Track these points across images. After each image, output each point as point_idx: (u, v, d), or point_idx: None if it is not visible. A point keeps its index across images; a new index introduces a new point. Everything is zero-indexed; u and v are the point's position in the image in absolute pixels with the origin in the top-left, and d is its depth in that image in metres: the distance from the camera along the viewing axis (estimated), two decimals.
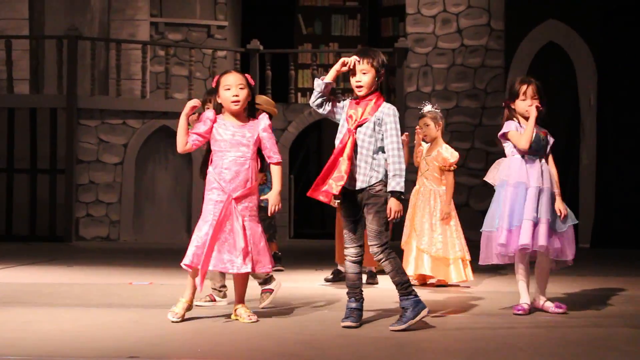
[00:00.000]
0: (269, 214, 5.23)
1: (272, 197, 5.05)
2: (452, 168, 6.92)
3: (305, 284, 6.99)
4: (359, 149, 4.85)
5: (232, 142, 5.02)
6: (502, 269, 7.93)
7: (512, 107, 5.52)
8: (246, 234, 4.95)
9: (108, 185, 12.15)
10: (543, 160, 5.47)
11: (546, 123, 5.57)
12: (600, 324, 5.11)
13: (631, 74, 11.44)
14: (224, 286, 5.78)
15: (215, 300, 5.71)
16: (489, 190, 5.53)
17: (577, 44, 11.81)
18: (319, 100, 4.93)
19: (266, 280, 5.58)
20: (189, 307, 5.08)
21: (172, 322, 4.92)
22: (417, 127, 7.05)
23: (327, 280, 7.11)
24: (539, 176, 5.39)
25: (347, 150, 4.81)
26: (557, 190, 5.45)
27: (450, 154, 6.93)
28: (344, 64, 4.90)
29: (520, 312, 5.40)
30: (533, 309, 5.48)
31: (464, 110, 12.43)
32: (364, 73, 4.89)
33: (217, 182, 5.01)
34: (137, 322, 4.97)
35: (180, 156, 12.52)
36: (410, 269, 6.75)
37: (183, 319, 4.97)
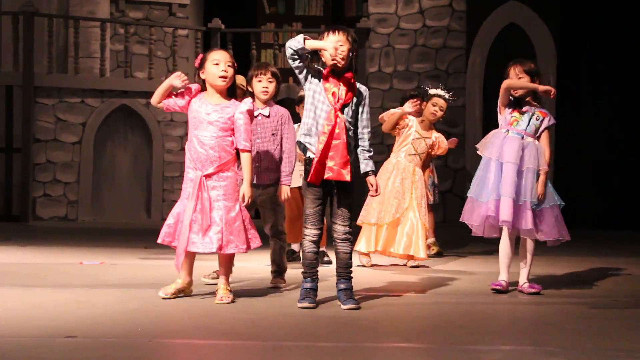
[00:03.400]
0: (244, 205, 5.11)
1: (242, 189, 4.96)
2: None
3: (252, 263, 6.96)
4: (341, 130, 4.80)
5: (203, 120, 4.95)
6: (471, 250, 7.98)
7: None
8: (212, 213, 4.88)
9: (66, 165, 11.99)
10: (530, 139, 5.45)
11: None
12: (556, 302, 5.15)
13: (590, 56, 11.49)
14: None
15: (217, 277, 5.68)
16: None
17: (538, 26, 11.84)
18: (292, 59, 4.77)
19: (280, 272, 5.66)
20: (183, 289, 5.03)
21: (162, 298, 4.95)
22: (429, 103, 6.96)
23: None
24: (517, 154, 5.38)
25: (341, 133, 4.75)
26: (542, 170, 5.44)
27: (445, 143, 7.04)
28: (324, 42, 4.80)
29: (497, 287, 5.45)
30: (485, 286, 5.50)
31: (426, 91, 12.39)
32: (341, 45, 4.81)
33: (190, 161, 4.96)
34: (81, 301, 4.90)
35: (140, 136, 12.41)
36: (410, 249, 6.66)
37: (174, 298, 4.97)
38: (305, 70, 4.84)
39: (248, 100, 5.12)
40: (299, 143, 4.92)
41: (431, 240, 7.69)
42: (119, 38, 13.00)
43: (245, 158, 4.98)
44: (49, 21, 11.92)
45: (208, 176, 4.92)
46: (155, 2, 13.50)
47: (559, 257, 7.30)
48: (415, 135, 6.90)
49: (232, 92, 5.09)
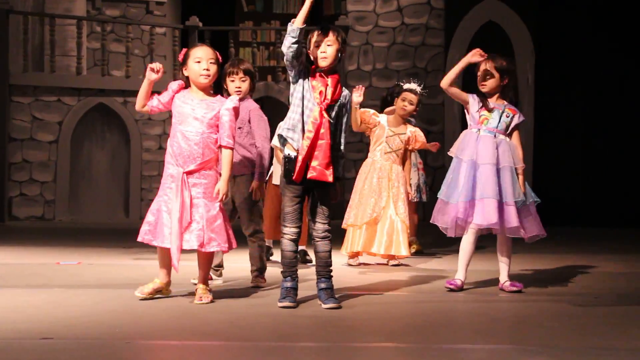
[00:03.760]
0: (218, 202, 5.05)
1: (219, 185, 4.89)
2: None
3: (231, 263, 6.90)
4: (326, 130, 4.75)
5: (188, 115, 4.89)
6: (446, 247, 7.97)
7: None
8: (192, 210, 4.82)
9: (42, 164, 11.88)
10: (502, 137, 5.41)
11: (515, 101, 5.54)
12: (537, 300, 5.13)
13: (568, 54, 11.53)
14: (220, 265, 5.75)
15: (211, 279, 5.64)
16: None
17: (516, 23, 11.87)
18: (295, 48, 4.66)
19: (260, 271, 5.61)
20: (161, 289, 4.96)
21: (139, 298, 4.88)
22: (399, 98, 6.89)
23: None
24: (492, 153, 5.35)
25: (326, 133, 4.71)
26: (520, 169, 5.41)
27: (422, 136, 6.95)
28: (312, 3, 4.70)
29: (452, 286, 5.40)
30: (467, 286, 5.48)
31: None
32: (329, 45, 4.76)
33: (172, 156, 4.90)
34: (57, 302, 4.83)
35: (117, 134, 12.31)
36: (390, 249, 6.64)
37: (151, 298, 4.90)
38: (299, 67, 4.78)
39: (234, 97, 5.07)
40: (280, 136, 4.86)
41: (412, 238, 7.67)
42: (96, 36, 12.89)
43: (227, 155, 4.92)
44: (24, 19, 11.79)
45: (189, 173, 4.87)
46: (132, 0, 13.40)
47: (539, 255, 7.31)
48: (388, 132, 6.85)
49: (217, 88, 5.04)
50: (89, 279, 5.86)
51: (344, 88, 4.89)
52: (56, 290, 5.29)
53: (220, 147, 4.92)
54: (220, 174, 4.94)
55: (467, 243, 5.46)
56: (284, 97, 11.99)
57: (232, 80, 5.61)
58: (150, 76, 4.91)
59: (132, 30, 12.52)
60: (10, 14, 11.69)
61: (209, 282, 5.59)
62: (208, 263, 5.01)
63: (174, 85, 5.01)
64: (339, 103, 4.83)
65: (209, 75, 4.92)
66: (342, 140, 4.89)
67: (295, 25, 4.68)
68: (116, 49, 12.95)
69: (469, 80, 5.75)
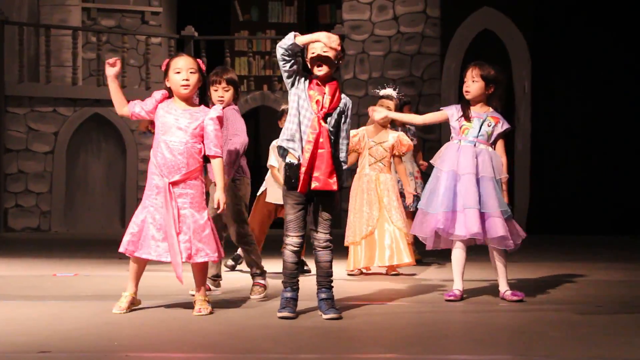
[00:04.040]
0: (219, 212, 5.02)
1: (217, 195, 4.86)
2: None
3: (228, 274, 6.86)
4: (325, 139, 4.72)
5: (171, 125, 4.85)
6: (441, 257, 7.94)
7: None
8: (177, 221, 4.78)
9: (38, 175, 11.84)
10: (483, 147, 5.35)
11: (501, 110, 5.49)
12: (538, 309, 5.09)
13: (564, 61, 11.53)
14: (218, 276, 5.72)
15: (210, 289, 5.62)
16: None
17: (512, 32, 11.86)
18: (287, 56, 4.66)
19: (261, 273, 5.56)
20: (134, 301, 4.91)
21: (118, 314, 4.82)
22: (373, 108, 6.84)
23: (229, 266, 6.99)
24: (472, 163, 5.30)
25: (325, 142, 4.67)
26: (503, 179, 5.35)
27: (407, 139, 6.87)
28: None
29: (451, 298, 5.35)
30: (467, 295, 5.44)
31: None
32: (325, 52, 4.73)
33: (156, 167, 4.85)
34: (54, 315, 4.78)
35: (113, 145, 12.27)
36: (390, 259, 6.62)
37: (129, 311, 4.84)
38: (294, 75, 4.75)
39: (218, 106, 5.03)
40: (280, 148, 4.83)
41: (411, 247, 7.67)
42: (91, 46, 12.87)
43: (217, 164, 4.89)
44: (19, 29, 11.76)
45: (174, 184, 4.83)
46: (127, 10, 13.38)
47: (540, 263, 7.28)
48: (369, 144, 6.80)
49: (201, 97, 4.99)
50: (86, 291, 5.81)
51: (343, 95, 4.86)
52: (53, 303, 5.24)
53: (208, 157, 4.89)
54: (204, 182, 4.91)
55: (456, 253, 5.44)
56: (279, 107, 11.96)
57: (215, 90, 5.59)
58: (109, 72, 4.88)
59: (127, 41, 12.50)
60: (5, 24, 11.67)
61: (208, 292, 5.57)
62: (203, 273, 4.95)
63: (157, 94, 4.96)
64: (337, 111, 4.79)
65: (188, 86, 4.86)
66: (344, 148, 4.85)
67: (297, 41, 4.66)
68: None
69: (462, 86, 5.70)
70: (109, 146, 12.21)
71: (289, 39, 4.67)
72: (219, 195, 4.85)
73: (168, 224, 4.77)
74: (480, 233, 5.24)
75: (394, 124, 7.05)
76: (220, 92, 5.58)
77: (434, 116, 5.58)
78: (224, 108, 5.57)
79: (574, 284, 6.22)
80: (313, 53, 4.73)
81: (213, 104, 5.59)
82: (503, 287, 5.43)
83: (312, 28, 13.76)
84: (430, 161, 5.53)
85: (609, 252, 8.81)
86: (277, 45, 4.72)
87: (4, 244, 10.10)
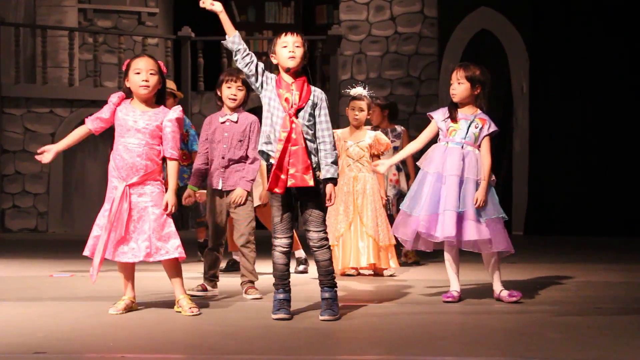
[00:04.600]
0: (166, 214, 4.95)
1: (167, 197, 4.82)
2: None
3: (224, 275, 6.83)
4: (298, 136, 4.69)
5: (130, 127, 4.83)
6: (434, 257, 7.92)
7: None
8: (140, 222, 4.75)
9: (35, 176, 11.81)
10: (470, 149, 5.31)
11: (487, 110, 5.47)
12: (535, 311, 5.06)
13: (562, 62, 11.51)
14: (215, 276, 5.69)
15: (207, 290, 5.61)
16: None
17: (509, 32, 11.84)
18: (246, 57, 4.69)
19: (250, 281, 5.54)
20: (131, 305, 4.89)
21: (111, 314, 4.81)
22: (348, 109, 6.82)
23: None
24: (458, 165, 5.27)
25: (299, 138, 4.64)
26: (483, 179, 5.29)
27: (385, 138, 6.82)
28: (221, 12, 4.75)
29: (449, 299, 5.33)
30: (463, 296, 5.42)
31: (398, 98, 12.35)
32: (297, 46, 4.73)
33: (114, 169, 4.83)
34: (50, 315, 4.76)
35: (110, 145, 12.20)
36: (364, 260, 6.62)
37: (126, 312, 4.83)
38: (259, 77, 4.74)
39: (177, 107, 4.99)
40: (261, 152, 4.80)
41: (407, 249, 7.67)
42: (88, 47, 12.84)
43: (173, 166, 4.88)
44: (15, 30, 11.74)
45: (132, 186, 4.80)
46: (124, 11, 13.36)
47: (538, 265, 7.26)
48: (345, 145, 6.77)
49: (160, 98, 4.97)
50: (82, 291, 5.79)
51: (313, 88, 4.82)
52: (49, 303, 5.22)
53: (165, 158, 4.87)
54: (163, 183, 4.90)
55: (447, 256, 5.43)
56: None
57: (229, 87, 5.57)
58: (43, 159, 4.93)
59: (124, 41, 12.48)
60: (1, 25, 11.64)
61: (203, 293, 5.55)
62: (176, 272, 4.92)
63: (113, 98, 4.93)
64: (309, 104, 4.75)
65: (148, 86, 4.84)
66: (329, 139, 4.77)
67: (231, 35, 4.70)
68: (108, 60, 12.90)
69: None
70: (106, 147, 12.15)
71: (228, 43, 4.74)
72: (168, 198, 4.81)
73: (108, 222, 4.75)
74: (455, 237, 5.20)
75: (368, 123, 7.03)
76: (233, 90, 5.57)
77: (428, 131, 5.46)
78: (234, 108, 5.57)
79: (572, 285, 6.20)
80: (284, 45, 4.72)
81: (222, 103, 5.58)
82: (497, 288, 5.40)
83: (309, 28, 13.76)
84: (417, 163, 5.51)
85: (609, 253, 8.79)
86: (233, 55, 4.75)
87: (1, 245, 10.07)
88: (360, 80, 12.37)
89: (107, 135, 12.65)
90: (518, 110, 11.65)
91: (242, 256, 5.62)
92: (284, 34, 4.79)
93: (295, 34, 4.78)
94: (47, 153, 4.93)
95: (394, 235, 5.82)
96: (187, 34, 12.57)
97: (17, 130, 11.76)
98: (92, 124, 4.95)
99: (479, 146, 5.35)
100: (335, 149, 4.80)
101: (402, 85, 12.42)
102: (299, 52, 4.73)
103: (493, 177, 5.41)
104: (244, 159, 5.57)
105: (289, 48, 4.72)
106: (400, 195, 7.84)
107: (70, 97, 12.00)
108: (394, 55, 12.44)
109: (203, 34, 12.75)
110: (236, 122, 5.58)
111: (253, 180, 5.61)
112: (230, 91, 5.56)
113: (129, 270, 4.94)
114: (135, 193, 4.80)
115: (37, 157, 4.94)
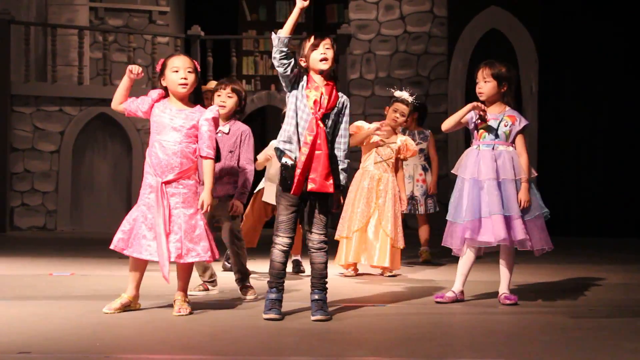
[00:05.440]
0: (202, 213, 4.98)
1: (203, 196, 4.82)
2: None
3: (221, 274, 6.82)
4: (322, 141, 4.67)
5: (166, 125, 4.83)
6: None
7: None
8: (167, 220, 4.74)
9: (44, 174, 11.85)
10: (503, 148, 5.28)
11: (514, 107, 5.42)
12: (531, 312, 5.03)
13: (572, 62, 11.43)
14: (212, 275, 5.72)
15: (208, 289, 5.64)
16: None
17: (519, 32, 11.77)
18: (284, 58, 4.62)
19: (243, 278, 5.52)
20: (129, 303, 4.87)
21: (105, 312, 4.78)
22: (390, 109, 6.78)
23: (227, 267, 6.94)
24: (492, 167, 5.23)
25: (323, 144, 4.62)
26: (524, 178, 5.27)
27: (413, 145, 6.89)
28: (301, 10, 4.63)
29: (439, 299, 5.31)
30: (462, 298, 5.39)
31: None
32: (328, 48, 4.70)
33: (150, 166, 4.83)
34: (42, 315, 4.75)
35: (119, 144, 12.26)
36: (376, 259, 6.58)
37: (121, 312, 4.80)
38: (292, 77, 4.70)
39: (214, 107, 5.01)
40: (277, 149, 4.79)
41: (423, 248, 7.76)
42: (98, 46, 12.86)
43: (208, 165, 4.86)
44: (26, 29, 11.78)
45: (167, 183, 4.80)
46: (135, 10, 13.38)
47: (538, 266, 7.19)
48: (379, 142, 6.77)
49: (197, 97, 4.98)
50: (79, 291, 5.79)
51: (340, 94, 4.82)
52: (44, 302, 5.22)
53: (201, 157, 4.86)
54: (198, 182, 4.89)
55: (468, 255, 5.36)
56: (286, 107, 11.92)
57: (219, 95, 5.59)
58: (130, 75, 4.88)
59: (134, 40, 12.49)
60: (12, 23, 11.68)
61: (205, 293, 5.56)
62: (187, 273, 4.93)
63: (153, 93, 4.95)
64: (335, 111, 4.75)
65: (186, 84, 4.85)
66: (344, 147, 4.78)
67: (283, 34, 4.63)
68: (119, 58, 12.91)
69: (472, 87, 5.63)
70: (115, 145, 12.20)
71: (276, 38, 4.64)
72: (204, 197, 4.81)
73: (157, 223, 4.75)
74: (507, 238, 5.19)
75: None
76: (222, 98, 5.58)
77: (456, 125, 5.45)
78: (225, 116, 5.57)
79: (572, 288, 6.16)
80: (315, 47, 4.68)
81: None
82: (502, 289, 5.37)
83: (319, 27, 13.71)
84: (452, 170, 5.47)
85: (611, 255, 8.74)
86: (273, 52, 4.67)
87: (9, 242, 10.12)
88: (370, 79, 12.33)
89: (116, 135, 12.66)
90: (527, 110, 11.55)
91: (230, 253, 5.63)
92: (312, 36, 4.74)
93: (324, 36, 4.74)
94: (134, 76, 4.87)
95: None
96: (197, 32, 12.57)
97: (26, 129, 11.80)
98: (130, 105, 4.93)
99: (512, 143, 5.32)
100: (347, 158, 4.79)
101: (412, 85, 12.29)
102: (330, 53, 4.70)
103: (533, 172, 5.38)
104: (235, 168, 5.57)
105: (320, 50, 4.69)
106: (428, 196, 7.89)
107: (79, 95, 12.02)
108: (404, 55, 12.38)
109: (213, 33, 12.75)
110: (227, 133, 5.58)
111: (247, 190, 5.60)
112: (219, 99, 5.58)
113: (140, 269, 4.91)
114: (169, 192, 4.79)
115: (131, 68, 4.86)
